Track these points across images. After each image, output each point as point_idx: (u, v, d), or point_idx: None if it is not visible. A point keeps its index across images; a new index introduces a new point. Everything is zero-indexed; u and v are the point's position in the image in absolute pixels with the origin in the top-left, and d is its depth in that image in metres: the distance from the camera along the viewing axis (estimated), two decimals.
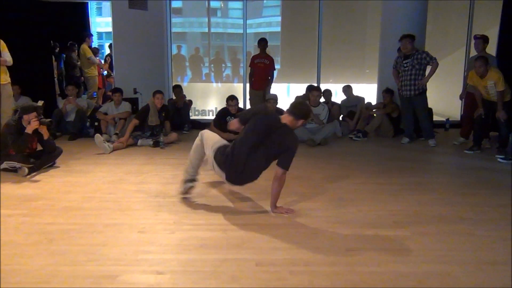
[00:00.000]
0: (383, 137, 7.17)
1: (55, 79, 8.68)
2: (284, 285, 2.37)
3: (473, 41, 6.65)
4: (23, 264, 2.61)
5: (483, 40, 6.36)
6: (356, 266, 2.59)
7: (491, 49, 7.06)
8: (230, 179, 3.50)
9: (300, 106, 3.58)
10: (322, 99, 7.24)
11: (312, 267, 2.58)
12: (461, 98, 7.04)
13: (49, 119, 4.87)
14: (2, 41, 5.65)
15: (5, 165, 4.65)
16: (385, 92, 7.22)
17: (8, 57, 5.63)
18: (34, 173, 4.66)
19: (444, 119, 8.06)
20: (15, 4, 6.97)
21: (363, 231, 3.14)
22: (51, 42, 8.50)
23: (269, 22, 11.98)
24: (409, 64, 6.35)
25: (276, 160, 3.42)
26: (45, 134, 4.81)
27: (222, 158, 3.44)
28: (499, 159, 5.44)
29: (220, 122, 6.58)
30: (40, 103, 5.21)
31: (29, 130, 4.65)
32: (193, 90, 9.66)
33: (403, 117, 6.81)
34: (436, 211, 3.59)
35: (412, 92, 6.39)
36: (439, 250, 2.83)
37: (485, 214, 3.55)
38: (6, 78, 5.69)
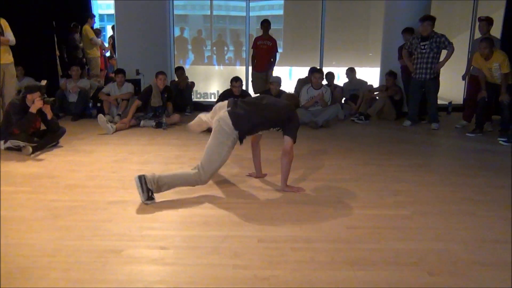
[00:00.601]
0: (385, 119, 7.17)
1: (57, 60, 8.65)
2: (285, 261, 2.41)
3: (477, 24, 6.59)
4: (29, 238, 2.66)
5: (487, 22, 6.29)
6: (356, 243, 2.63)
7: (496, 31, 7.00)
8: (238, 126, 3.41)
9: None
10: (324, 82, 7.22)
11: (313, 243, 2.63)
12: (463, 78, 6.99)
13: (53, 98, 4.90)
14: (5, 21, 5.63)
15: (9, 143, 4.69)
16: (388, 75, 7.19)
17: (11, 37, 5.62)
18: (38, 152, 4.69)
19: (446, 102, 8.05)
20: None
21: (364, 210, 3.18)
22: (53, 23, 8.46)
23: (272, 5, 11.86)
24: (427, 47, 6.25)
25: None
26: (49, 114, 4.85)
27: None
28: (501, 142, 5.46)
29: None
30: (43, 82, 5.23)
31: (33, 109, 4.68)
32: (195, 72, 9.62)
33: (410, 99, 6.76)
34: (437, 192, 3.62)
35: (428, 76, 6.33)
36: (439, 229, 2.87)
37: (485, 195, 3.57)
38: (9, 58, 5.68)
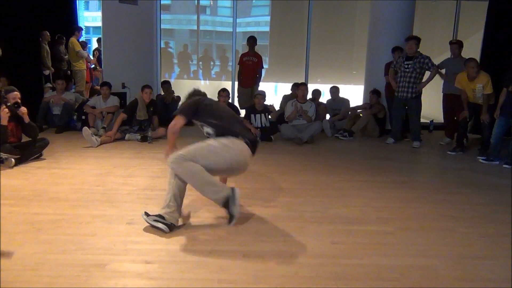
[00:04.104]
0: (368, 136, 7.28)
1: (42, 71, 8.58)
2: (270, 276, 2.42)
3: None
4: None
5: (458, 44, 6.70)
6: (340, 259, 2.67)
7: (475, 53, 7.24)
8: None
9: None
10: (309, 96, 7.33)
11: (298, 258, 2.65)
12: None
13: (15, 102, 4.76)
14: None
15: None
16: (372, 93, 7.33)
17: None
18: (21, 164, 4.64)
19: (428, 121, 8.22)
20: None
21: (347, 226, 3.22)
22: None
23: (258, 22, 12.02)
24: (410, 66, 6.40)
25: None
26: (26, 118, 4.78)
27: None
28: (480, 160, 5.58)
29: None
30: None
31: (3, 121, 4.61)
32: (180, 86, 9.66)
33: (393, 117, 6.89)
34: (419, 208, 3.69)
35: (410, 95, 6.46)
36: (421, 245, 2.92)
37: (465, 212, 3.65)
38: None
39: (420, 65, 6.35)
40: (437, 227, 3.28)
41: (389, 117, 7.34)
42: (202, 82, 10.80)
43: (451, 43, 6.83)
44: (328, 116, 7.89)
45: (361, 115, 7.47)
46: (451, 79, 6.41)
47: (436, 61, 6.60)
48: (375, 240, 2.99)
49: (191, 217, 3.31)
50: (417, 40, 6.43)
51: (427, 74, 6.47)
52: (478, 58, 7.14)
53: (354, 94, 9.04)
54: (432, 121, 8.25)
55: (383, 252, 2.79)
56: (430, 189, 4.32)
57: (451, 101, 6.67)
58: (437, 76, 6.57)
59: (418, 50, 6.43)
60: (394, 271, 2.53)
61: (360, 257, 2.70)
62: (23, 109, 4.77)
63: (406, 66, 6.43)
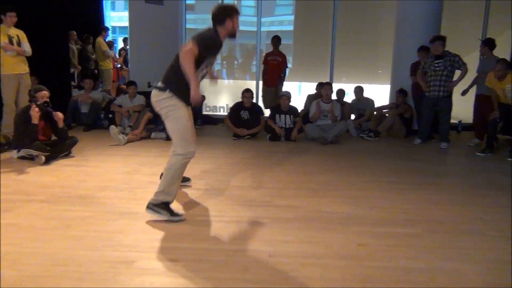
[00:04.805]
0: (394, 137, 7.17)
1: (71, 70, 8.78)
2: (295, 277, 2.41)
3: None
4: (41, 247, 2.69)
5: (484, 43, 6.56)
6: (366, 261, 2.63)
7: (506, 52, 7.05)
8: None
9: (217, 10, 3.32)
10: (334, 97, 7.27)
11: (323, 260, 2.63)
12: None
13: (44, 101, 4.88)
14: (23, 32, 5.76)
15: (22, 152, 4.76)
16: (398, 93, 7.21)
17: (27, 48, 5.74)
18: (51, 162, 4.75)
19: (456, 121, 8.04)
20: None
21: (374, 228, 3.17)
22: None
23: (281, 21, 11.97)
24: (441, 65, 6.26)
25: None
26: (60, 123, 4.93)
27: None
28: (511, 161, 5.43)
29: (234, 116, 6.69)
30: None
31: (35, 120, 4.74)
32: (204, 86, 9.69)
33: (422, 117, 6.75)
34: (447, 211, 3.61)
35: (441, 94, 6.32)
36: (449, 248, 2.86)
37: (495, 214, 3.56)
38: (25, 68, 5.79)
39: (451, 63, 6.21)
40: (466, 230, 3.20)
41: (416, 117, 7.21)
42: (226, 81, 10.82)
43: (482, 42, 6.66)
44: (352, 116, 7.81)
45: (387, 115, 7.36)
46: (482, 79, 6.28)
47: (465, 60, 6.44)
48: (402, 242, 2.94)
49: (216, 216, 3.32)
50: (443, 40, 6.30)
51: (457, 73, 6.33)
52: (508, 57, 6.97)
53: (380, 94, 8.91)
54: (460, 121, 8.06)
55: (410, 255, 2.74)
56: (458, 191, 4.22)
57: (483, 102, 6.51)
58: (466, 76, 6.42)
59: (446, 49, 6.30)
60: (422, 274, 2.48)
61: (387, 260, 2.66)
62: (60, 115, 4.90)
63: (436, 65, 6.30)
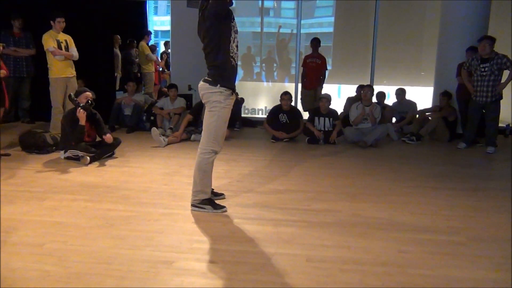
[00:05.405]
0: (437, 141, 6.96)
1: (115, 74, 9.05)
2: (334, 282, 2.38)
3: None
4: (86, 245, 2.78)
5: None
6: (408, 268, 2.57)
7: None
8: None
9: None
10: (374, 99, 7.14)
11: (363, 266, 2.58)
12: None
13: (87, 101, 5.03)
14: (70, 37, 6.02)
15: (69, 153, 4.95)
16: (442, 95, 7.00)
17: (75, 52, 5.99)
18: (95, 162, 4.91)
19: (504, 125, 7.72)
20: (82, 2, 7.36)
21: (415, 234, 3.09)
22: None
23: (321, 23, 11.90)
24: (487, 69, 6.00)
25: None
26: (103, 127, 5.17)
27: None
28: None
29: (273, 119, 6.70)
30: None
31: (82, 121, 4.92)
32: (243, 88, 9.78)
33: (468, 121, 6.51)
34: (493, 218, 3.47)
35: (489, 99, 6.09)
36: (495, 257, 2.75)
37: None
38: (72, 72, 6.05)
39: (498, 66, 5.93)
40: None
41: (461, 121, 6.97)
42: (265, 84, 10.86)
43: None
44: (394, 120, 7.65)
45: (429, 118, 7.16)
46: None
47: None
48: (445, 250, 2.84)
49: (254, 218, 3.33)
50: (491, 40, 6.02)
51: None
52: None
53: (422, 96, 8.68)
54: (508, 125, 7.73)
55: (454, 263, 2.65)
56: (505, 198, 4.04)
57: None
58: None
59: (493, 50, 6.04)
60: (466, 284, 2.40)
61: (429, 268, 2.58)
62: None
63: (482, 69, 6.04)
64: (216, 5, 3.12)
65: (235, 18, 3.44)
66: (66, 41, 5.95)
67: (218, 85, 3.26)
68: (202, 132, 3.40)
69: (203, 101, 3.40)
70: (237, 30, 3.41)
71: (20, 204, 3.50)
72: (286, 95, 6.74)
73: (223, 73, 3.29)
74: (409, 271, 2.53)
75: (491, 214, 3.58)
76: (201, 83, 3.36)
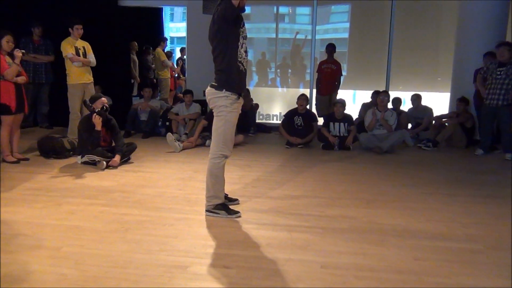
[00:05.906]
0: (454, 147, 6.87)
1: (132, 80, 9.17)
2: None
3: None
4: (102, 249, 2.81)
5: None
6: (424, 276, 2.54)
7: None
8: None
9: None
10: (390, 105, 7.09)
11: (378, 273, 2.56)
12: None
13: (103, 106, 5.10)
14: (88, 44, 6.13)
15: (86, 158, 5.02)
16: (459, 101, 6.92)
17: (92, 58, 6.09)
18: (111, 167, 4.97)
19: None
20: (100, 9, 7.49)
21: (432, 242, 3.05)
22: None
23: (336, 28, 11.87)
24: (503, 73, 5.95)
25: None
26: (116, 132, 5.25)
27: None
28: None
29: (288, 122, 6.72)
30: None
31: (98, 126, 4.99)
32: (258, 94, 9.80)
33: (482, 127, 6.44)
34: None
35: (500, 102, 6.01)
36: None
37: None
38: (90, 78, 6.15)
39: None
40: None
41: (478, 127, 6.87)
42: (280, 89, 10.86)
43: None
44: (409, 126, 7.57)
45: (446, 124, 7.08)
46: None
47: None
48: (462, 258, 2.80)
49: (268, 224, 3.33)
50: (510, 46, 5.95)
51: None
52: None
53: (438, 102, 8.58)
54: None
55: (471, 272, 2.61)
56: None
57: None
58: None
59: None
60: None
61: (446, 276, 2.55)
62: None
63: (498, 73, 5.98)
64: (225, 9, 3.16)
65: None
66: (84, 47, 6.06)
67: (224, 90, 3.31)
68: (212, 137, 3.43)
69: (210, 106, 3.46)
70: (246, 36, 3.44)
71: (38, 208, 3.56)
72: (302, 96, 6.79)
73: (228, 77, 3.33)
74: (425, 279, 2.50)
75: (508, 221, 3.51)
76: (208, 88, 3.42)
